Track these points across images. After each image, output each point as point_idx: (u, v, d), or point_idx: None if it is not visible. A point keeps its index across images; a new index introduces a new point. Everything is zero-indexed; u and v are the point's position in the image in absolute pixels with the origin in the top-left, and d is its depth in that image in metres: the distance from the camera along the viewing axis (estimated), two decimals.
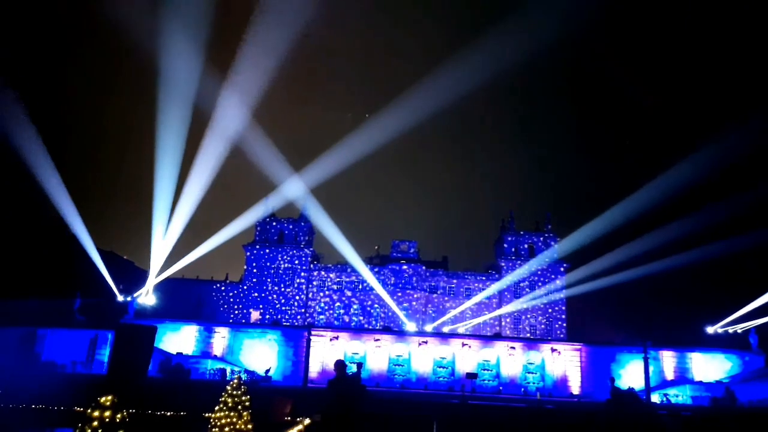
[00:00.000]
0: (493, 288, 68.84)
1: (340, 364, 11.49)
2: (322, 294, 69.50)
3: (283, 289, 68.57)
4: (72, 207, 49.72)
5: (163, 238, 52.87)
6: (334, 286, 69.83)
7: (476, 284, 70.45)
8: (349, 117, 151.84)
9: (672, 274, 62.89)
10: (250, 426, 12.52)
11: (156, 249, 52.91)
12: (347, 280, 69.87)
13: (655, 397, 43.44)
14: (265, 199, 69.93)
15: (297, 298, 68.51)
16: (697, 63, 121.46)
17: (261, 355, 48.98)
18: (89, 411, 9.12)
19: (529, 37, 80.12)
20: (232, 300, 68.43)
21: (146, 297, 54.57)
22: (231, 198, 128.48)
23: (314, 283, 69.90)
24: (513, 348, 50.58)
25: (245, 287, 68.60)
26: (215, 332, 49.98)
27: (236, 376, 14.96)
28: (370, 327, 65.36)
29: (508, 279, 68.84)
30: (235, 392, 12.64)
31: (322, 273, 70.18)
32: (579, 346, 50.72)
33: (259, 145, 64.42)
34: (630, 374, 47.65)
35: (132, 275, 63.69)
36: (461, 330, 65.07)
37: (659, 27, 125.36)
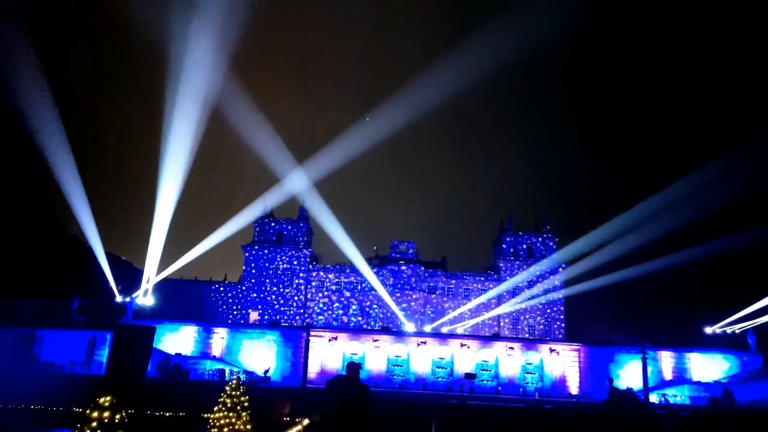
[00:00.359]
0: (493, 292, 68.84)
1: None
2: (320, 294, 69.48)
3: (281, 290, 68.53)
4: (86, 207, 49.34)
5: (163, 240, 52.76)
6: (333, 287, 69.82)
7: (475, 285, 70.49)
8: (349, 119, 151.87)
9: (671, 274, 62.91)
10: (249, 426, 12.53)
11: (155, 250, 52.79)
12: (346, 280, 69.87)
13: (654, 398, 43.46)
14: (263, 197, 69.77)
15: (296, 298, 68.48)
16: (697, 62, 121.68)
17: (260, 355, 48.95)
18: (88, 412, 9.13)
19: (528, 37, 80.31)
20: (230, 300, 68.39)
21: (145, 298, 54.48)
22: (230, 197, 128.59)
23: (313, 283, 69.89)
24: (512, 348, 50.60)
25: (244, 288, 68.55)
26: (214, 333, 49.95)
27: (235, 376, 14.98)
28: (369, 327, 65.35)
29: (508, 282, 68.85)
30: (234, 393, 12.65)
31: (321, 273, 70.18)
32: (577, 347, 50.74)
33: (260, 137, 64.17)
34: (628, 374, 47.68)
35: (130, 276, 63.57)
36: (460, 330, 65.05)
37: (659, 26, 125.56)
